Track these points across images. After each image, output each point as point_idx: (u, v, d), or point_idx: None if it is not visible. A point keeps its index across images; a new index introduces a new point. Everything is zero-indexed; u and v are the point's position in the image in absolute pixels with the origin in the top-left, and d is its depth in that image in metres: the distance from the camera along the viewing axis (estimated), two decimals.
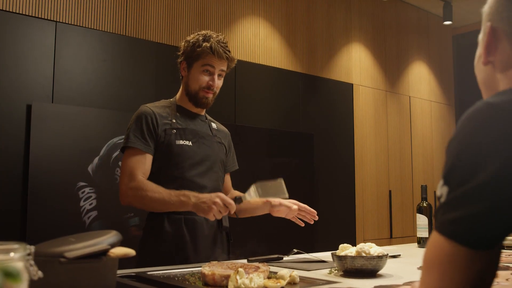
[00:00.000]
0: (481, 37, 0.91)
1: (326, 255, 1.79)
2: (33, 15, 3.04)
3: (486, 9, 0.89)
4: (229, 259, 1.94)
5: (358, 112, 4.93)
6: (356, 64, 4.99)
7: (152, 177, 1.85)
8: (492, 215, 0.67)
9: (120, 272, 1.37)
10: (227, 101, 3.86)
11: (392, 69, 5.37)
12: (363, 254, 1.45)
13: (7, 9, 2.94)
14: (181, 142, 1.88)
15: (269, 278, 1.32)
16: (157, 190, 1.77)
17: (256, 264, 1.41)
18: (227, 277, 1.24)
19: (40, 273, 0.73)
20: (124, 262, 1.11)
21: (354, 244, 1.55)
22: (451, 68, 6.14)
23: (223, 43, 1.93)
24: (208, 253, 1.86)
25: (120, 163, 2.95)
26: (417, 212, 2.35)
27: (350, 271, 1.46)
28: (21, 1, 3.00)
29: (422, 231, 2.31)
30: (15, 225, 2.82)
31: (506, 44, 0.85)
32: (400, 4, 5.54)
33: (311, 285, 1.32)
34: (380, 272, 1.50)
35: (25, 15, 3.01)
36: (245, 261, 1.71)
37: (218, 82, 1.96)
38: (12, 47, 2.93)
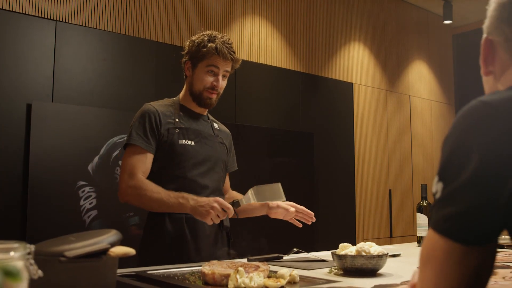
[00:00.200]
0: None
1: (326, 254, 1.79)
2: (33, 14, 3.04)
3: (485, 24, 0.93)
4: (229, 258, 1.94)
5: (358, 111, 4.93)
6: (356, 63, 4.99)
7: (154, 176, 1.85)
8: (483, 211, 0.68)
9: (120, 271, 1.37)
10: (227, 101, 3.85)
11: (392, 68, 5.37)
12: (363, 253, 1.45)
13: (7, 8, 2.94)
14: (184, 141, 1.88)
15: (269, 277, 1.32)
16: (156, 190, 1.77)
17: (256, 263, 1.41)
18: (227, 276, 1.24)
19: (40, 272, 0.73)
20: (124, 261, 1.11)
21: (354, 243, 1.55)
22: (451, 67, 6.14)
23: (228, 43, 1.93)
24: (208, 252, 1.86)
25: (120, 162, 2.95)
26: (417, 211, 2.35)
27: (350, 270, 1.46)
28: (21, 0, 3.00)
29: (422, 231, 2.31)
30: (15, 224, 2.82)
31: (502, 53, 0.88)
32: (400, 4, 5.53)
33: (311, 284, 1.32)
34: (380, 271, 1.50)
35: (25, 14, 3.00)
36: (245, 260, 1.71)
37: (222, 83, 1.96)
38: (12, 46, 2.93)
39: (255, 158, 3.89)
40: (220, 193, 1.99)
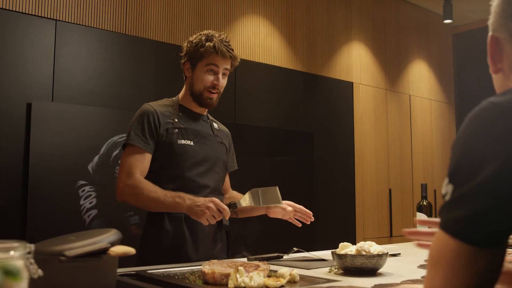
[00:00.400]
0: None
1: (326, 254, 1.79)
2: (33, 13, 3.04)
3: (490, 20, 0.92)
4: (229, 257, 1.94)
5: (358, 110, 4.93)
6: (356, 63, 4.99)
7: (153, 176, 1.85)
8: (496, 213, 0.68)
9: (120, 270, 1.37)
10: (227, 100, 3.85)
11: (392, 68, 5.37)
12: (363, 253, 1.45)
13: (7, 8, 2.94)
14: (183, 141, 1.88)
15: (269, 276, 1.32)
16: (153, 190, 1.77)
17: (256, 262, 1.41)
18: (227, 276, 1.24)
19: (40, 272, 0.73)
20: (124, 260, 1.11)
21: (354, 243, 1.55)
22: (451, 66, 6.13)
23: (226, 42, 1.93)
24: (208, 252, 1.86)
25: (120, 161, 2.94)
26: (417, 211, 2.35)
27: (350, 269, 1.46)
28: (21, 0, 3.00)
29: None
30: (15, 223, 2.83)
31: (509, 49, 0.88)
32: (400, 3, 5.53)
33: (311, 283, 1.32)
34: (380, 270, 1.50)
35: (25, 13, 3.00)
36: (245, 259, 1.71)
37: (223, 81, 1.96)
38: (12, 46, 2.93)
39: (255, 158, 3.89)
40: (220, 193, 1.99)
